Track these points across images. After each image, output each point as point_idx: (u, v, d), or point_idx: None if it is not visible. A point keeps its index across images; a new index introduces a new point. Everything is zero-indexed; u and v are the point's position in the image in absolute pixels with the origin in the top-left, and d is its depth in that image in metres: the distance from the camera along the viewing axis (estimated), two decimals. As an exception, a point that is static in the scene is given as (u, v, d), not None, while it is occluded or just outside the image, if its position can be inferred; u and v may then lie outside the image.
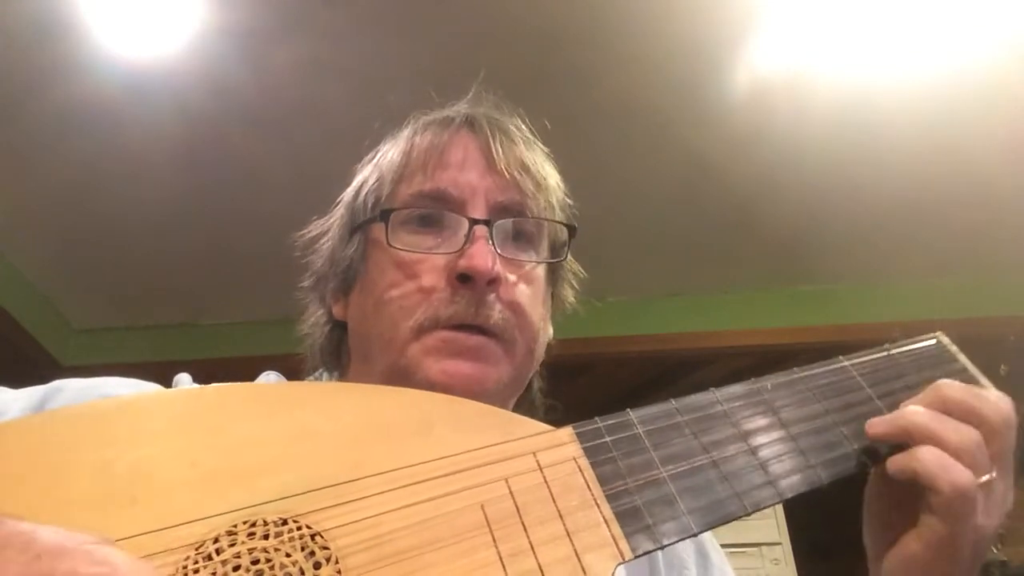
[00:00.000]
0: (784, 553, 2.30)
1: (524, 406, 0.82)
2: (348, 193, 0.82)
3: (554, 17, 1.85)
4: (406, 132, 0.80)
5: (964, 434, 0.55)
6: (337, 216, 0.82)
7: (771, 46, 1.92)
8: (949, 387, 0.58)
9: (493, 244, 0.70)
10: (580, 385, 2.60)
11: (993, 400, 0.58)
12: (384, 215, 0.73)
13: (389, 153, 0.79)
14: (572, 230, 0.79)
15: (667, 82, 2.02)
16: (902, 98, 2.05)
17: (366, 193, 0.78)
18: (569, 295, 0.84)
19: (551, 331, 0.81)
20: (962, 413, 0.57)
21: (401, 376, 0.69)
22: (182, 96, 1.99)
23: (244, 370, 0.76)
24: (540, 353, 0.77)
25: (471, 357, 0.68)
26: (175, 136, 2.09)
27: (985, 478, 0.54)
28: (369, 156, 0.83)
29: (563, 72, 1.97)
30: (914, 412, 0.57)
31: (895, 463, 0.56)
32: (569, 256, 0.82)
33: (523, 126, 0.81)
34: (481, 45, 1.89)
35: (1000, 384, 0.68)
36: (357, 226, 0.77)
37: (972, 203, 2.34)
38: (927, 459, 0.54)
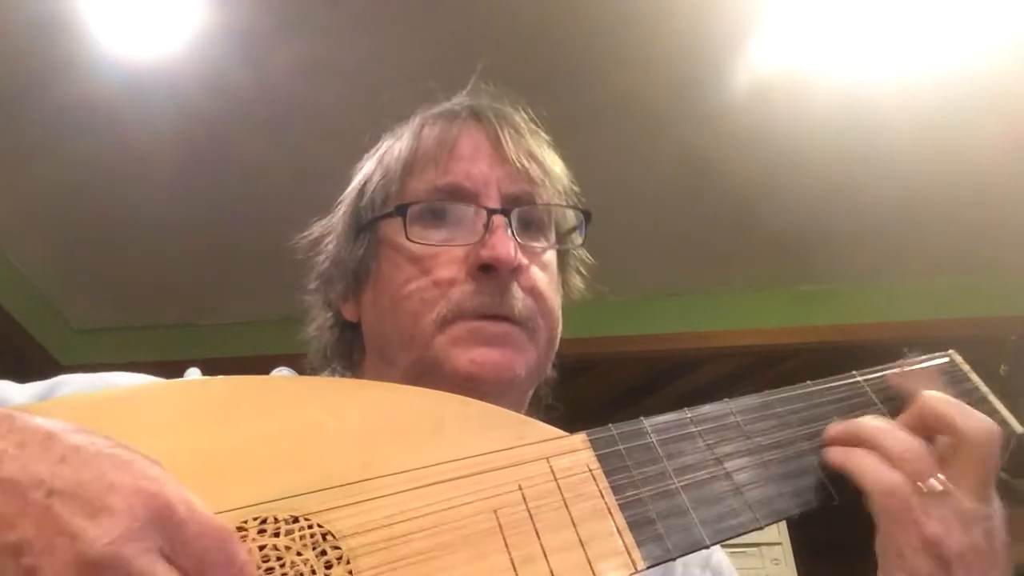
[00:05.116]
0: (784, 553, 2.29)
1: (532, 401, 0.82)
2: (351, 192, 0.80)
3: (554, 17, 1.85)
4: (410, 127, 0.79)
5: (904, 441, 0.56)
6: (340, 216, 0.80)
7: (771, 46, 1.92)
8: (930, 398, 0.59)
9: (512, 233, 0.70)
10: (580, 385, 2.59)
11: (976, 416, 0.57)
12: (401, 210, 0.72)
13: (394, 149, 0.78)
14: (587, 215, 0.79)
15: (667, 82, 2.02)
16: (902, 98, 2.04)
17: (372, 190, 0.77)
18: (578, 282, 0.84)
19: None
20: (936, 424, 0.57)
21: (428, 370, 0.69)
22: (182, 96, 1.98)
23: (245, 370, 0.76)
24: (558, 341, 0.77)
25: (499, 344, 0.68)
26: (175, 136, 2.09)
27: (934, 484, 0.53)
28: (370, 153, 0.81)
29: (563, 72, 1.97)
30: (861, 423, 0.58)
31: (833, 456, 0.58)
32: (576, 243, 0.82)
33: (525, 115, 0.80)
34: (480, 45, 1.88)
35: (1000, 384, 0.68)
36: (365, 224, 0.76)
37: (972, 203, 2.34)
38: (854, 460, 0.56)
